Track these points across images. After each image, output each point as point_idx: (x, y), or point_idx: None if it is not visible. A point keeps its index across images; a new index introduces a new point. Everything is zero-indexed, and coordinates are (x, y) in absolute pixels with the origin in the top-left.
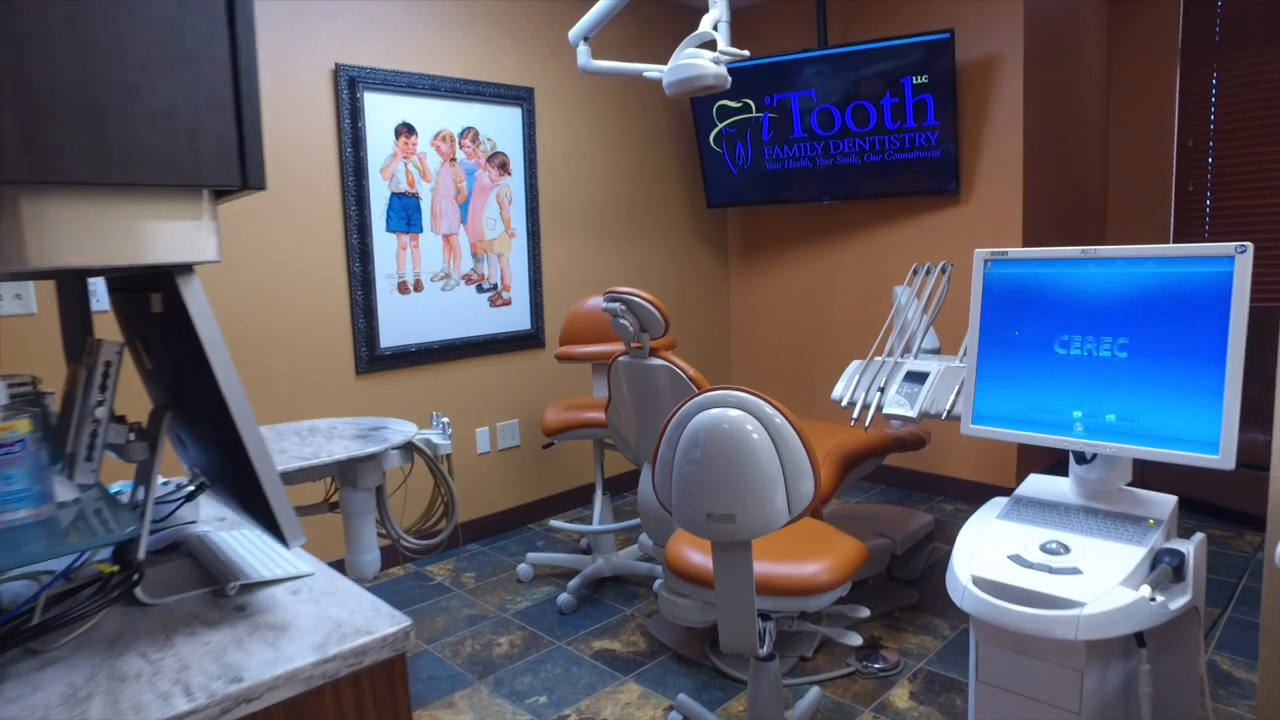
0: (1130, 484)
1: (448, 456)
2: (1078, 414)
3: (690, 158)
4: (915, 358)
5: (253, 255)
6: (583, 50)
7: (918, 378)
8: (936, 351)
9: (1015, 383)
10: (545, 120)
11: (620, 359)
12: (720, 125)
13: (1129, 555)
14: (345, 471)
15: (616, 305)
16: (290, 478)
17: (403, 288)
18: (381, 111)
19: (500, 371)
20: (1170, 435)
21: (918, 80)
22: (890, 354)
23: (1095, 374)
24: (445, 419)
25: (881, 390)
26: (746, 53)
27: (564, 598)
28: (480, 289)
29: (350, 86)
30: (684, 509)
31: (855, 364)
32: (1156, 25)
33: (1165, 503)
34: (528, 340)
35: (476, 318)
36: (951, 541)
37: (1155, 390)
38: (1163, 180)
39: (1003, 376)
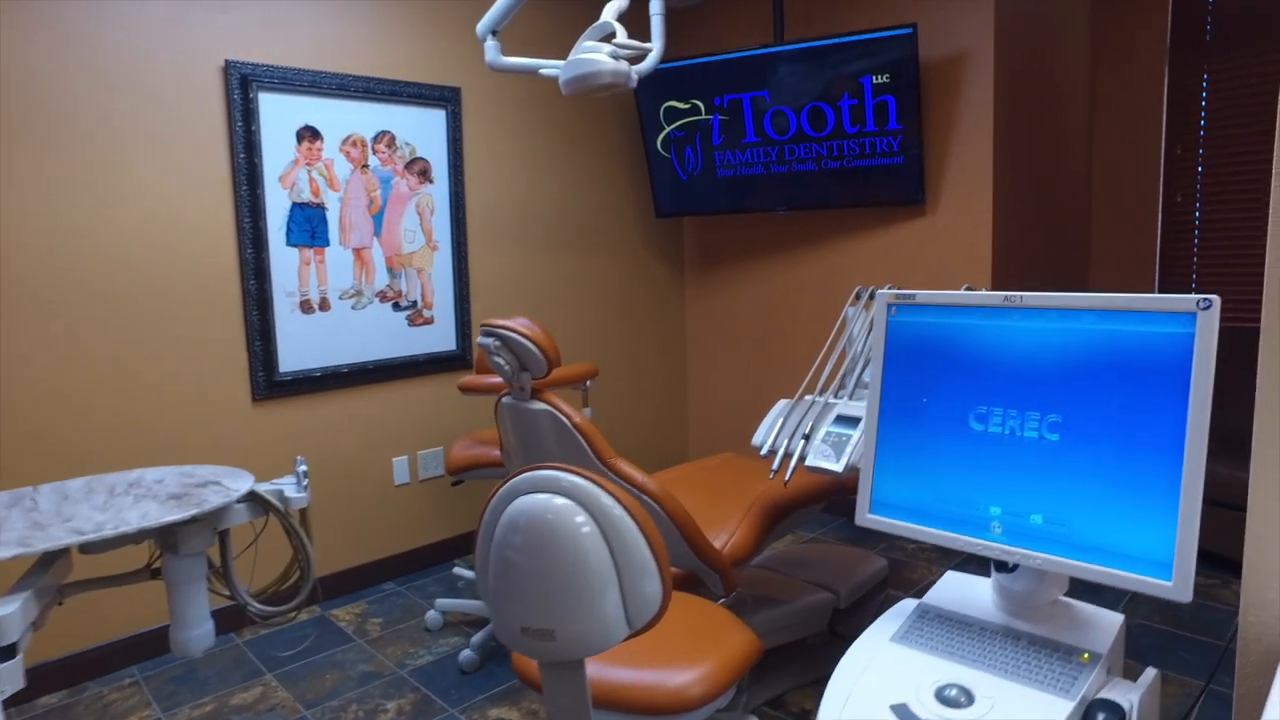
0: (1069, 592)
1: (303, 510)
2: (996, 510)
3: (637, 163)
4: (851, 397)
5: (131, 274)
6: (491, 45)
7: (849, 422)
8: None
9: (922, 464)
10: (474, 123)
11: (504, 399)
12: (668, 128)
13: (1051, 710)
14: (165, 536)
15: (490, 341)
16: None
17: (306, 306)
18: (280, 114)
19: (421, 396)
20: (1109, 548)
21: (878, 80)
22: (824, 390)
23: (1018, 460)
24: (304, 467)
25: (806, 438)
26: (650, 45)
27: (466, 654)
28: (397, 307)
29: (242, 86)
30: (499, 618)
31: (782, 403)
32: (1144, 26)
33: (1108, 626)
34: (452, 362)
35: (393, 338)
36: (909, 587)
37: (1092, 486)
38: (1150, 190)
39: (907, 455)
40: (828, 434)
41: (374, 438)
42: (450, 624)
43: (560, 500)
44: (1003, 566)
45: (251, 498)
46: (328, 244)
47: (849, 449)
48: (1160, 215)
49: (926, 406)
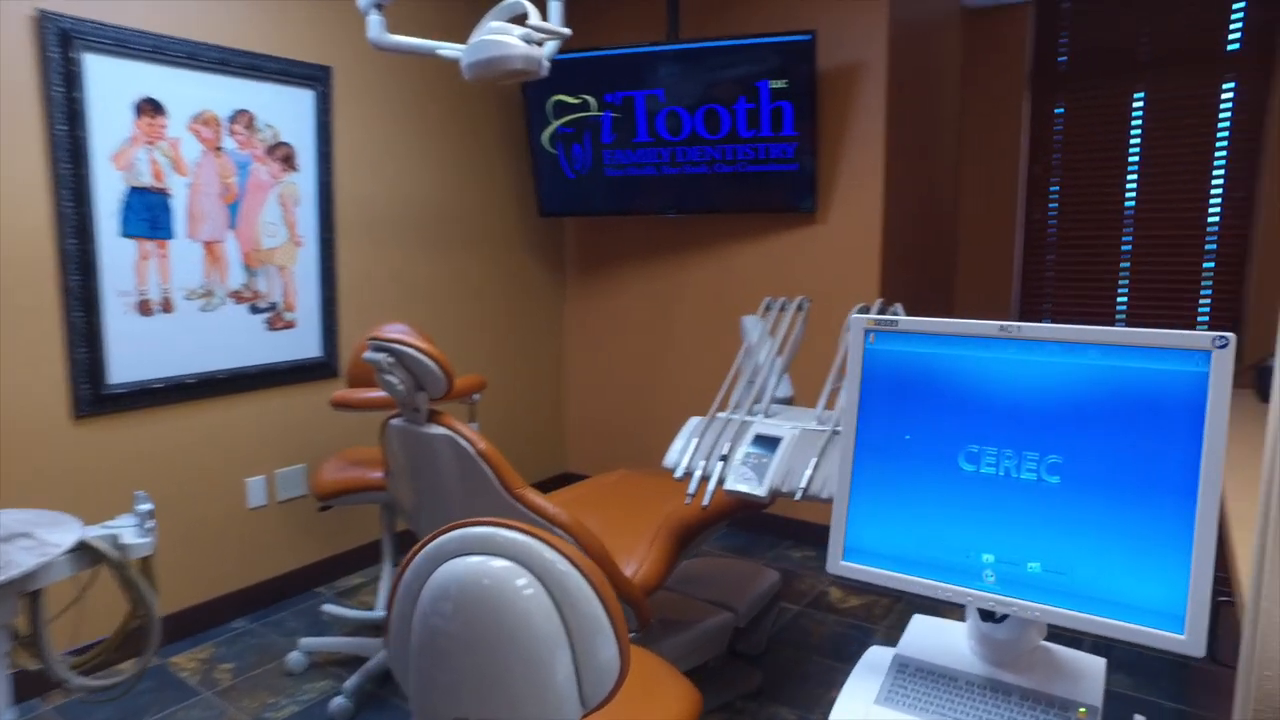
0: (1049, 637)
1: (146, 559)
2: (989, 558)
3: (522, 158)
4: (767, 414)
5: None
6: (374, 21)
7: (768, 443)
8: (789, 401)
9: (904, 507)
10: (346, 107)
11: (392, 422)
12: (555, 123)
13: None
14: None
15: (381, 357)
16: None
17: (145, 307)
18: (113, 81)
19: (282, 408)
20: (1114, 599)
21: (775, 85)
22: (737, 407)
23: (1014, 504)
24: (147, 505)
25: (724, 459)
26: (567, 31)
27: (339, 702)
28: (255, 309)
29: (62, 43)
30: (423, 707)
31: (694, 421)
32: (1006, 55)
33: (1094, 673)
34: (317, 370)
35: (250, 344)
36: (800, 598)
37: (1096, 532)
38: (1011, 208)
39: (887, 496)
40: (747, 455)
41: (225, 456)
42: (316, 665)
43: (498, 562)
44: (989, 616)
45: (81, 548)
46: (172, 235)
47: (771, 471)
48: (1020, 232)
49: (910, 444)
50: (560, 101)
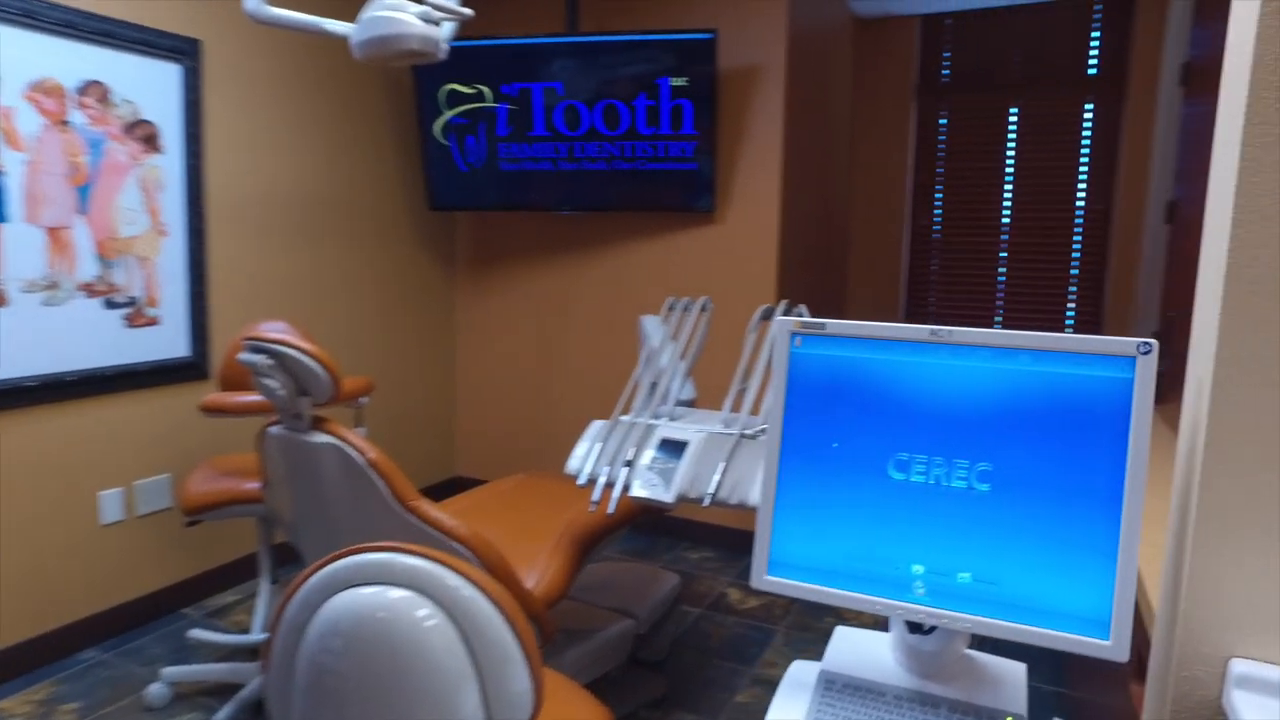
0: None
1: None
2: (918, 569)
3: (412, 149)
4: (671, 417)
5: None
6: None
7: (674, 448)
8: (692, 404)
9: (832, 518)
10: (217, 85)
11: (271, 430)
12: (449, 113)
13: None
14: None
15: (259, 359)
16: None
17: None
18: None
19: (144, 413)
20: (1043, 607)
21: (676, 82)
22: (641, 410)
23: (945, 513)
24: None
25: (629, 464)
26: (469, 12)
27: None
28: (111, 303)
29: None
30: None
31: (598, 425)
32: (896, 63)
33: (1016, 679)
34: (184, 371)
35: (105, 342)
36: (700, 601)
37: (1025, 540)
38: (899, 213)
39: (814, 508)
40: (653, 459)
41: (74, 469)
42: (182, 696)
43: (395, 592)
44: (916, 628)
45: None
46: (4, 219)
47: (678, 476)
48: (907, 237)
49: (837, 452)
50: (454, 91)
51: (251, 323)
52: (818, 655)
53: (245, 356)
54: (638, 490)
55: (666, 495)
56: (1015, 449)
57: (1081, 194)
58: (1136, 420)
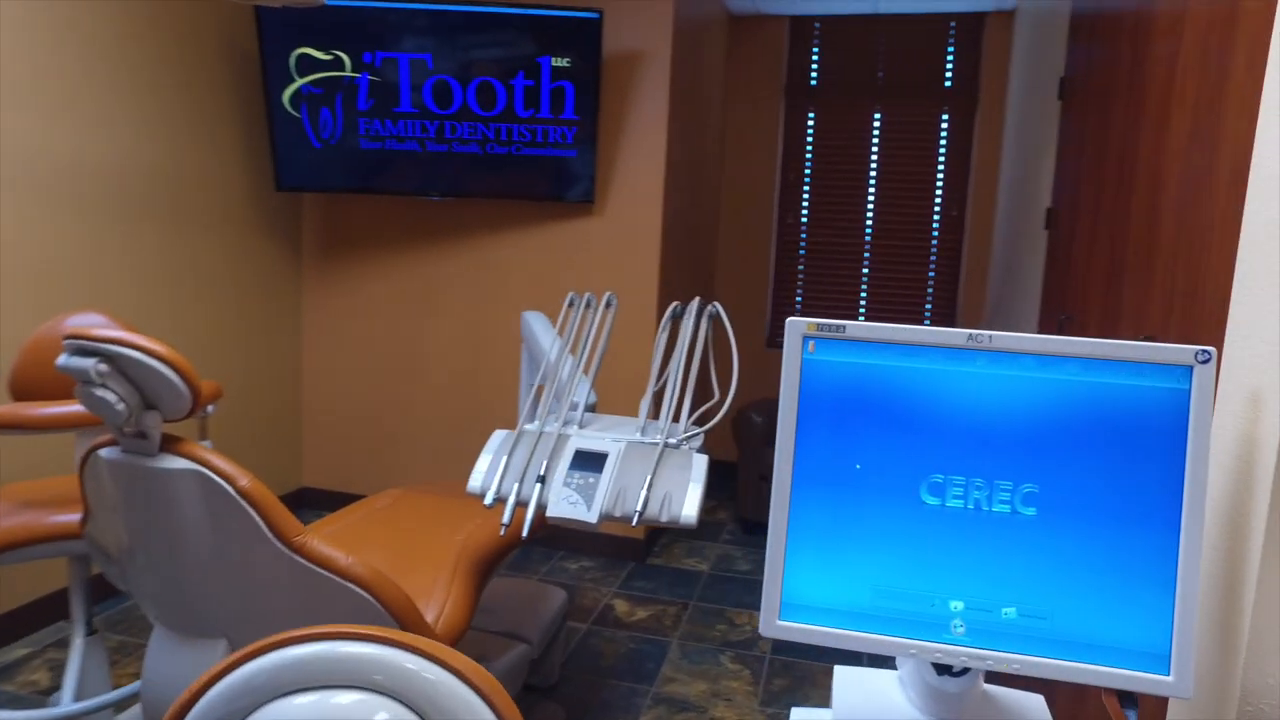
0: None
1: None
2: (957, 606)
3: (257, 120)
4: (581, 425)
5: None
6: None
7: (592, 460)
8: (593, 408)
9: (856, 552)
10: (9, 29)
11: (101, 453)
12: (301, 81)
13: None
14: None
15: (90, 364)
16: None
17: None
18: None
19: None
20: (1096, 642)
21: (558, 62)
22: (544, 418)
23: (986, 541)
24: None
25: (542, 480)
26: None
27: None
28: None
29: None
30: None
31: (500, 435)
32: (767, 62)
33: (1039, 712)
34: None
35: None
36: (585, 616)
37: (1076, 569)
38: (766, 214)
39: (835, 540)
40: (569, 475)
41: None
42: None
43: (343, 697)
44: (944, 668)
45: None
46: None
47: (601, 493)
48: (774, 234)
49: (861, 475)
50: (307, 55)
51: (53, 317)
52: (715, 665)
53: (69, 361)
54: (557, 510)
55: (589, 515)
56: (1063, 468)
57: (938, 199)
58: (1194, 435)
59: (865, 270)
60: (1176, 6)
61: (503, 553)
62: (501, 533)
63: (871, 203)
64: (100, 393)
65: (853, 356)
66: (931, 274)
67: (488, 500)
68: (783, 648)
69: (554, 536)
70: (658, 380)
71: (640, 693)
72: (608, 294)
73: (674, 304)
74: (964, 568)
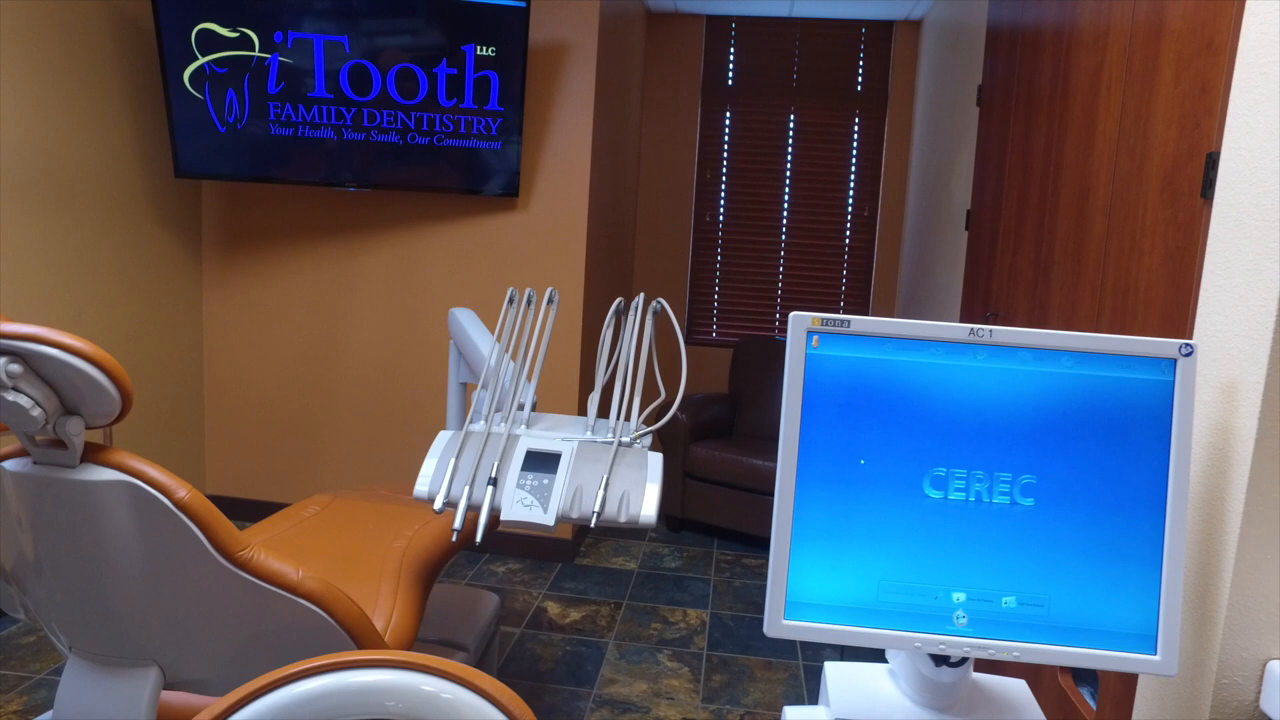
0: None
1: None
2: (960, 597)
3: (152, 100)
4: (528, 425)
5: None
6: None
7: (544, 460)
8: (534, 408)
9: (860, 547)
10: None
11: (8, 465)
12: (203, 59)
13: None
14: None
15: (6, 364)
16: None
17: None
18: None
19: None
20: (1091, 627)
21: (483, 51)
22: (486, 418)
23: (987, 532)
24: None
25: (493, 482)
26: None
27: None
28: None
29: None
30: None
31: (446, 437)
32: (685, 60)
33: (1025, 699)
34: None
35: None
36: (518, 620)
37: (1072, 556)
38: (684, 211)
39: (839, 537)
40: (522, 477)
41: None
42: None
43: None
44: (941, 659)
45: None
46: None
47: (556, 495)
48: (692, 235)
49: (865, 470)
50: (209, 32)
51: None
52: (654, 664)
53: None
54: (511, 514)
55: (546, 519)
56: (1059, 459)
57: (851, 199)
58: (1178, 424)
59: (781, 268)
60: (1099, 23)
61: (446, 558)
62: (454, 538)
63: (787, 202)
64: (11, 397)
65: (856, 351)
66: (844, 272)
67: (437, 505)
68: (718, 644)
69: (485, 539)
70: (605, 377)
71: (582, 695)
72: (549, 289)
73: (618, 299)
74: (966, 559)
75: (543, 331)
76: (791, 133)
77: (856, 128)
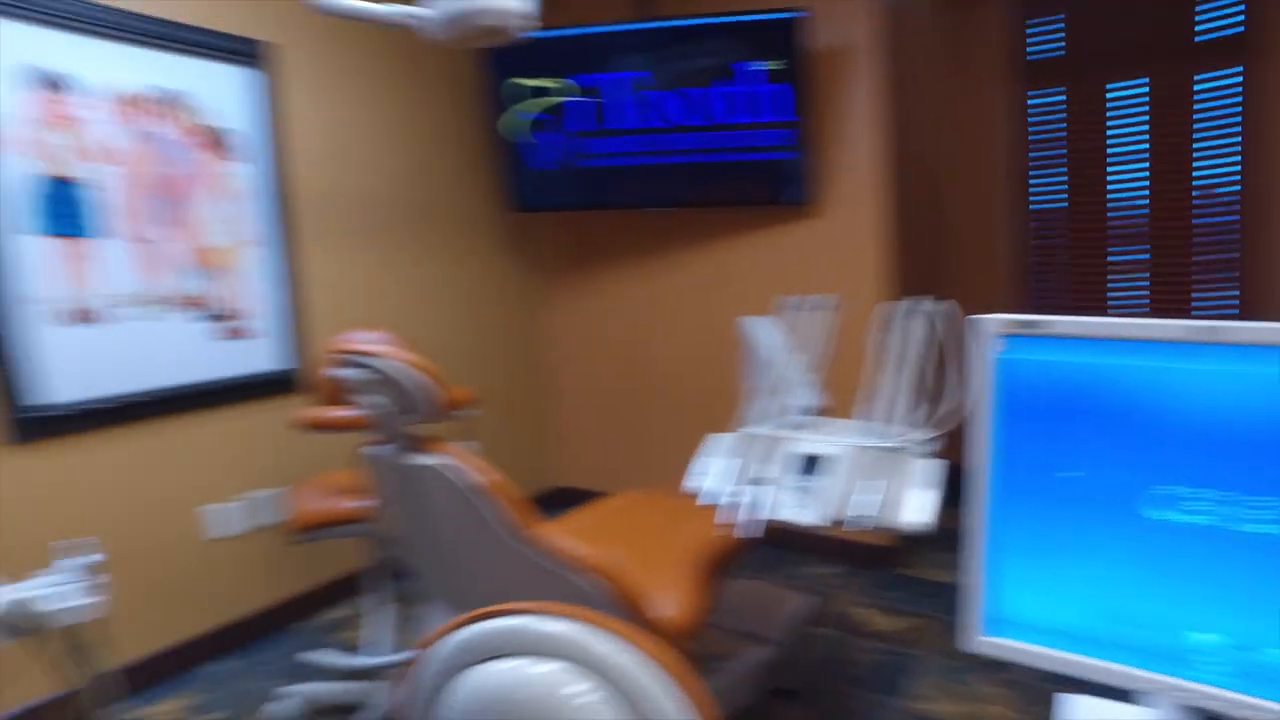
0: None
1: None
2: (1205, 638)
3: (489, 148)
4: (806, 428)
5: None
6: None
7: (819, 465)
8: (822, 412)
9: (1071, 565)
10: (297, 90)
11: (370, 451)
12: (517, 109)
13: None
14: None
15: (360, 374)
16: None
17: (70, 316)
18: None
19: (240, 429)
20: None
21: (764, 66)
22: (763, 421)
23: (1237, 565)
24: (90, 557)
25: (764, 482)
26: None
27: None
28: (205, 316)
29: None
30: None
31: (719, 439)
32: (989, 40)
33: None
34: (279, 384)
35: (197, 357)
36: (831, 623)
37: None
38: (1004, 200)
39: (1043, 552)
40: (797, 478)
41: (174, 485)
42: (299, 715)
43: (542, 667)
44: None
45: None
46: (94, 233)
47: (829, 496)
48: (1014, 222)
49: (1072, 484)
50: (518, 85)
51: (343, 332)
52: (971, 686)
53: (339, 371)
54: (782, 513)
55: (816, 518)
56: None
57: (1202, 172)
58: None
59: (1114, 256)
60: None
61: (733, 554)
62: (734, 533)
63: (1119, 182)
64: (365, 397)
65: (1054, 355)
66: (1197, 259)
67: (718, 501)
68: (1052, 675)
69: (797, 542)
70: (888, 382)
71: (888, 706)
72: (829, 296)
73: (902, 302)
74: (1209, 595)
75: (821, 337)
76: (1120, 105)
77: (1205, 87)
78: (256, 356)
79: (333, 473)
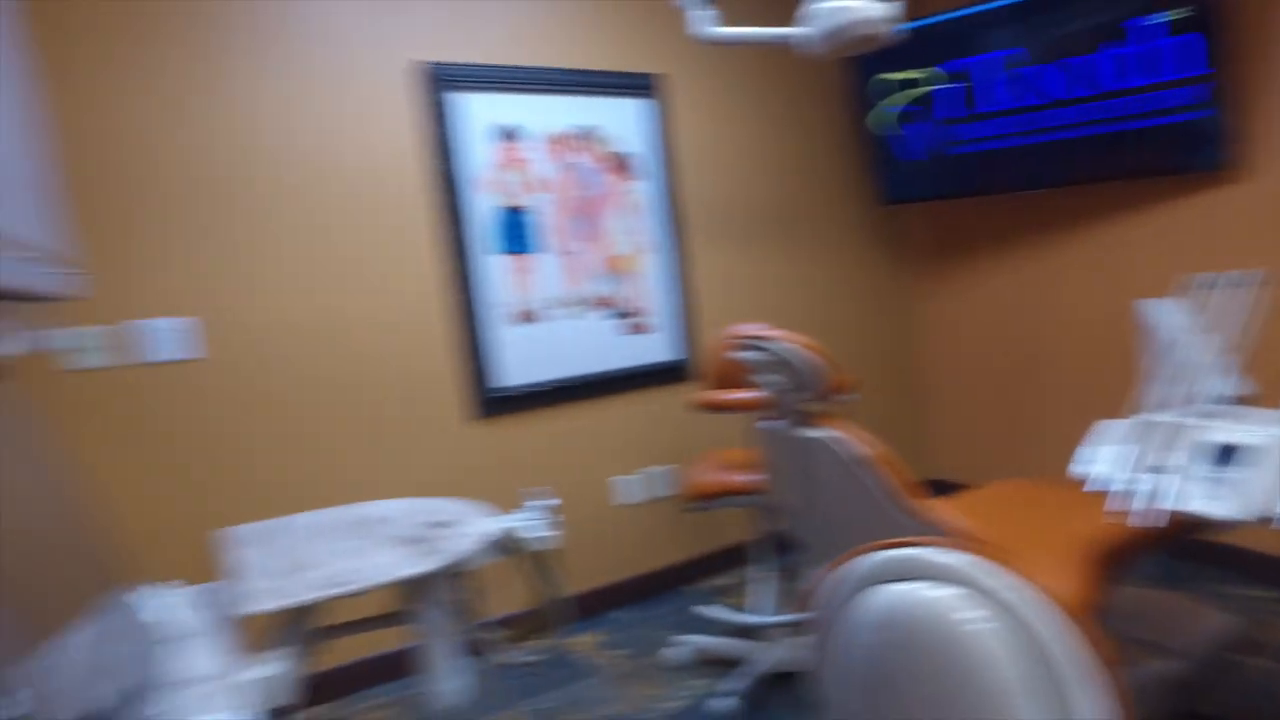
0: None
1: (549, 551)
2: None
3: (851, 144)
4: (1220, 417)
5: (338, 291)
6: (699, 15)
7: (1237, 455)
8: (1248, 401)
9: None
10: (681, 112)
11: (762, 425)
12: (883, 104)
13: None
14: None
15: (759, 356)
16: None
17: (514, 318)
18: (473, 113)
19: (641, 411)
20: None
21: (1164, 18)
22: (1163, 408)
23: None
24: (549, 499)
25: (1168, 471)
26: None
27: (720, 703)
28: (614, 314)
29: (432, 86)
30: None
31: (1113, 425)
32: None
33: None
34: (672, 373)
35: (607, 349)
36: (1260, 651)
37: None
38: None
39: None
40: (1210, 469)
41: (590, 456)
42: (689, 664)
43: (948, 590)
44: None
45: (499, 543)
46: (534, 250)
47: (1254, 490)
48: None
49: None
50: (885, 80)
51: (726, 326)
52: None
53: (742, 354)
54: (1193, 505)
55: (1234, 512)
56: None
57: None
58: None
59: None
60: None
61: (1127, 549)
62: (1124, 524)
63: None
64: (766, 376)
65: None
66: None
67: (1110, 488)
68: None
69: (1216, 554)
70: None
71: None
72: (1254, 272)
73: None
74: None
75: (1243, 317)
76: None
77: None
78: (654, 348)
79: (721, 450)
